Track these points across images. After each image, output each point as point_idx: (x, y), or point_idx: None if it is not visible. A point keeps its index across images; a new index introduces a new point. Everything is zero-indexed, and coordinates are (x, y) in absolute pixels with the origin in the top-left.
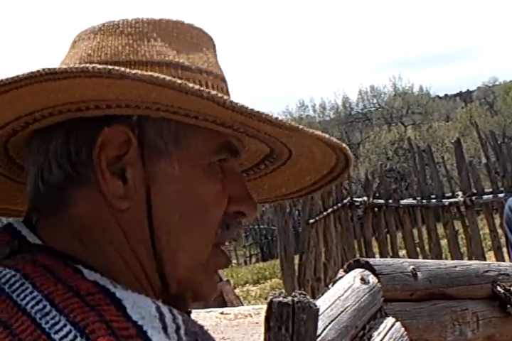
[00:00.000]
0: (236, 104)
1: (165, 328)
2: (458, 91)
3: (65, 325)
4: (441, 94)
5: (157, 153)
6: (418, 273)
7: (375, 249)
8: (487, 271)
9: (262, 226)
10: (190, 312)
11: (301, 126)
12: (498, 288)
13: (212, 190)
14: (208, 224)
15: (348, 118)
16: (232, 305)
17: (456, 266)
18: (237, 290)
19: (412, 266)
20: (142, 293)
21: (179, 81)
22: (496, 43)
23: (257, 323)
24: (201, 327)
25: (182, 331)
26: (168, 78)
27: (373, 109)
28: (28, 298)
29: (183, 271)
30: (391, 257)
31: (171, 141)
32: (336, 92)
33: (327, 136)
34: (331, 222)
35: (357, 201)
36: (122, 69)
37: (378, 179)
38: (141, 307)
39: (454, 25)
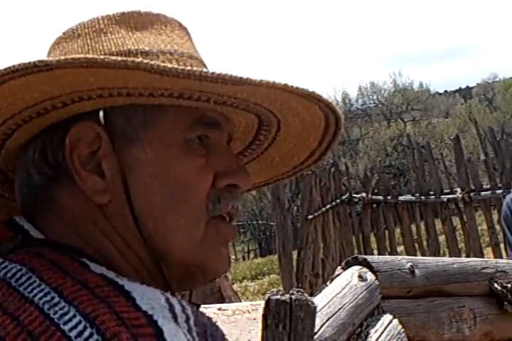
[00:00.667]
0: (190, 70)
1: (175, 318)
2: (457, 88)
3: (74, 316)
4: (441, 91)
5: (128, 141)
6: (416, 270)
7: (374, 245)
8: (484, 268)
9: (260, 222)
10: (199, 305)
11: (251, 78)
12: (496, 285)
13: (191, 166)
14: (194, 201)
15: (348, 114)
16: (230, 301)
17: (453, 263)
18: (235, 286)
19: (409, 263)
20: (142, 282)
21: (130, 59)
22: (495, 40)
23: (254, 319)
24: (209, 318)
25: (192, 321)
26: (131, 59)
27: (373, 105)
28: (35, 291)
29: (180, 252)
30: (389, 253)
31: (140, 126)
32: (335, 88)
33: (288, 83)
34: (329, 217)
35: (356, 197)
36: (90, 56)
37: (377, 175)
38: (150, 299)
39: (454, 22)
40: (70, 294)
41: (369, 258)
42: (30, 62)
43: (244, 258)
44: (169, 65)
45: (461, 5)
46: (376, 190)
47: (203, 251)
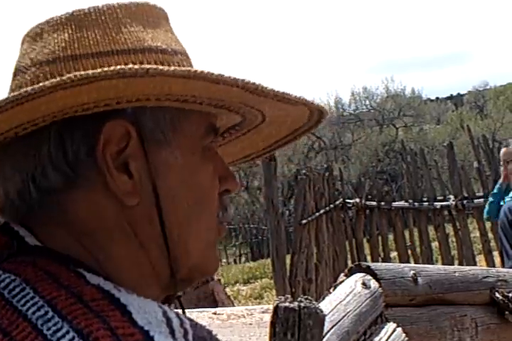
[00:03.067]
0: (253, 83)
1: (172, 333)
2: (449, 95)
3: (67, 332)
4: (433, 97)
5: (157, 144)
6: (419, 278)
7: (367, 251)
8: (486, 277)
9: (252, 226)
10: (180, 296)
11: (292, 94)
12: (497, 294)
13: (209, 174)
14: (212, 208)
15: (340, 119)
16: (223, 305)
17: (455, 272)
18: (227, 290)
19: (412, 271)
20: (145, 290)
21: (216, 73)
22: (487, 48)
23: (250, 324)
24: (209, 332)
25: (190, 336)
26: (200, 70)
27: (365, 110)
28: (28, 304)
29: (195, 258)
30: (382, 259)
31: (168, 129)
32: (328, 93)
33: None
34: (323, 223)
35: (349, 202)
36: (160, 67)
37: (370, 181)
38: (147, 313)
39: (446, 30)
40: (64, 308)
41: (372, 265)
42: (142, 68)
43: (235, 262)
44: (226, 75)
45: (455, 13)
46: (369, 196)
47: (208, 255)
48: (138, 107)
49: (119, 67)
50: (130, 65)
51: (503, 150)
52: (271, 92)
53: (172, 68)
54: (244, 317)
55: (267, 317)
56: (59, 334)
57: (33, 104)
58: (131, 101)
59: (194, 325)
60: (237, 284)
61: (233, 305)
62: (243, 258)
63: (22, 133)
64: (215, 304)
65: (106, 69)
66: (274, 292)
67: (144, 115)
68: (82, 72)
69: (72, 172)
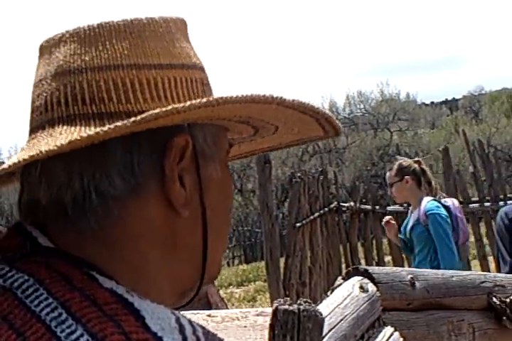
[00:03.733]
0: (303, 103)
1: (185, 340)
2: (444, 99)
3: (81, 335)
4: (428, 102)
5: (205, 158)
6: (416, 282)
7: (361, 255)
8: (483, 282)
9: (245, 228)
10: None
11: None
12: (494, 300)
13: (231, 187)
14: (229, 220)
15: None
16: (217, 307)
17: (453, 276)
18: (220, 292)
19: (410, 275)
20: (164, 297)
21: (283, 96)
22: (482, 53)
23: (245, 327)
24: (221, 340)
25: None
26: (267, 95)
27: (360, 114)
28: (42, 305)
29: (217, 268)
30: (376, 263)
31: (212, 144)
32: (323, 96)
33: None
34: (317, 226)
35: (344, 206)
36: (283, 97)
37: (365, 185)
38: (160, 319)
39: (441, 34)
40: (78, 311)
41: (370, 269)
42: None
43: (228, 265)
44: (293, 98)
45: (450, 17)
46: (364, 200)
47: (220, 263)
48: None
49: (249, 94)
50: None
51: (387, 173)
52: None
53: (290, 99)
54: (239, 319)
55: (262, 320)
56: (73, 336)
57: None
58: (197, 120)
59: (206, 332)
60: (231, 287)
61: (227, 308)
62: (236, 261)
63: None
64: (208, 306)
65: (240, 95)
66: (267, 295)
67: (196, 130)
68: (227, 96)
69: (135, 181)
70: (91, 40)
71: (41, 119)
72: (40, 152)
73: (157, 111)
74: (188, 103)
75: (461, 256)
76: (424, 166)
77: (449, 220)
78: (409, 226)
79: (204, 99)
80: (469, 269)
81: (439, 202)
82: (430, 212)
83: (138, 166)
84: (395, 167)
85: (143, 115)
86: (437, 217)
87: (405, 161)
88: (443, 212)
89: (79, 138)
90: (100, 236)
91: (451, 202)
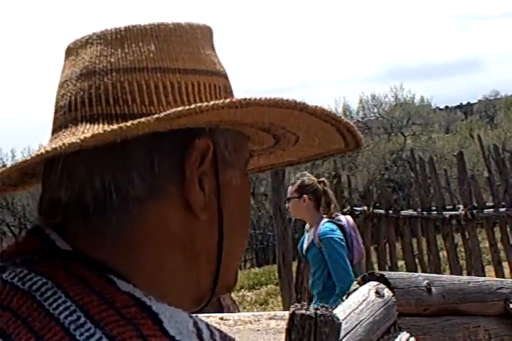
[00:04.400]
0: (324, 110)
1: None
2: (459, 104)
3: (100, 338)
4: (442, 106)
5: (225, 163)
6: (432, 288)
7: (374, 259)
8: (500, 288)
9: (257, 231)
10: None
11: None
12: (511, 306)
13: (249, 194)
14: (248, 230)
15: None
16: (229, 310)
17: (469, 282)
18: (232, 295)
19: (426, 281)
20: (181, 301)
21: (297, 100)
22: (498, 57)
23: (258, 331)
24: None
25: None
26: (291, 99)
27: (373, 118)
28: (61, 308)
29: (232, 276)
30: (389, 268)
31: (232, 151)
32: (336, 100)
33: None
34: None
35: (357, 210)
36: (302, 101)
37: (378, 189)
38: (178, 322)
39: (457, 38)
40: (97, 314)
41: (386, 274)
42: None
43: (240, 268)
44: (316, 105)
45: (466, 21)
46: (377, 204)
47: (237, 272)
48: (213, 127)
49: (273, 97)
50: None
51: (289, 187)
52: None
53: (312, 105)
54: (252, 323)
55: (274, 324)
56: (92, 340)
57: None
58: (219, 124)
59: (224, 336)
60: (242, 290)
61: (239, 311)
62: (248, 264)
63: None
64: (220, 309)
65: (260, 97)
66: (279, 298)
67: (217, 135)
68: (245, 98)
69: (155, 182)
70: (117, 43)
71: (65, 119)
72: (63, 144)
73: (180, 108)
74: (212, 102)
75: (357, 274)
76: (327, 187)
77: (343, 242)
78: (304, 246)
79: (227, 100)
80: (484, 275)
81: (334, 223)
82: (324, 236)
83: (158, 167)
84: (297, 183)
85: (166, 112)
86: (331, 241)
87: (309, 179)
88: (337, 234)
89: (102, 131)
90: (119, 236)
91: (346, 220)
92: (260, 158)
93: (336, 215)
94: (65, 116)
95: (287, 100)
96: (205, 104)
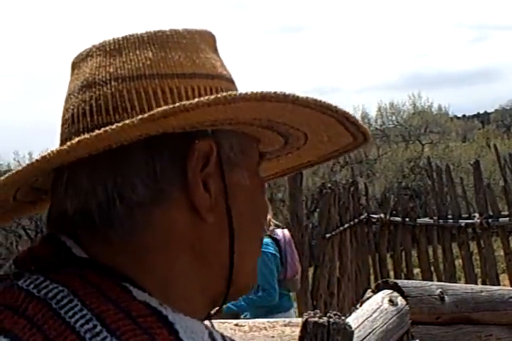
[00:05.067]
0: (323, 102)
1: None
2: (476, 113)
3: None
4: (460, 115)
5: (231, 164)
6: (445, 296)
7: (389, 266)
8: None
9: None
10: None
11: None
12: None
13: (262, 194)
14: (262, 226)
15: None
16: (245, 316)
17: (482, 291)
18: None
19: (439, 290)
20: (194, 307)
21: (296, 94)
22: None
23: (273, 337)
24: None
25: None
26: (288, 93)
27: (392, 126)
28: (77, 316)
29: (246, 278)
30: (405, 275)
31: (239, 152)
32: (355, 108)
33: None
34: (347, 237)
35: (374, 217)
36: (289, 92)
37: (395, 197)
38: (193, 333)
39: (475, 48)
40: (113, 323)
41: (400, 282)
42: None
43: None
44: (307, 96)
45: (485, 31)
46: (394, 212)
47: (253, 274)
48: (216, 129)
49: (255, 91)
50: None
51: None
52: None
53: (295, 95)
54: (267, 329)
55: (289, 331)
56: None
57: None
58: (216, 124)
59: None
60: None
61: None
62: None
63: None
64: (235, 315)
65: (244, 92)
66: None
67: (221, 137)
68: (225, 94)
69: (158, 187)
70: (115, 53)
71: (69, 131)
72: (52, 152)
73: (164, 108)
74: (196, 100)
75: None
76: None
77: (276, 258)
78: None
79: (212, 96)
80: (498, 284)
81: (270, 236)
82: None
83: (160, 172)
84: None
85: (150, 112)
86: (263, 256)
87: None
88: (270, 250)
89: (88, 137)
90: (128, 244)
91: (282, 234)
92: (280, 159)
93: (274, 229)
94: (69, 129)
95: (275, 93)
96: (190, 101)
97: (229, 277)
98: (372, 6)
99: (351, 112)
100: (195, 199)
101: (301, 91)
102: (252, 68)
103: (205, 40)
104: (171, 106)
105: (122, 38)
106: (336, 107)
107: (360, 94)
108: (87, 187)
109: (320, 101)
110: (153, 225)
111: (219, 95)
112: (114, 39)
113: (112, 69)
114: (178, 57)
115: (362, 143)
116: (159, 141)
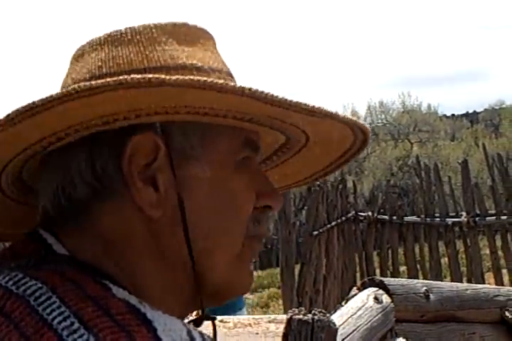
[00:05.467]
0: (276, 97)
1: None
2: (465, 112)
3: None
4: (448, 114)
5: (185, 158)
6: (431, 294)
7: (376, 264)
8: (497, 296)
9: None
10: (214, 318)
11: (334, 112)
12: (507, 314)
13: (241, 187)
14: (240, 221)
15: None
16: None
17: (467, 289)
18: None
19: (424, 288)
20: (167, 306)
21: (220, 81)
22: (504, 67)
23: (257, 334)
24: None
25: None
26: (209, 80)
27: (381, 124)
28: (54, 313)
29: (222, 273)
30: (391, 273)
31: (198, 143)
32: (345, 106)
33: (354, 118)
34: (334, 234)
35: (361, 215)
36: (162, 76)
37: (384, 195)
38: (172, 330)
39: (464, 47)
40: (91, 320)
41: (385, 280)
42: (144, 78)
43: None
44: (266, 91)
45: (473, 30)
46: (382, 210)
47: (237, 270)
48: (166, 122)
49: (121, 77)
50: (134, 76)
51: None
52: (282, 101)
53: (175, 77)
54: (251, 326)
55: (274, 327)
56: None
57: (43, 116)
58: (151, 114)
59: None
60: None
61: None
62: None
63: (51, 148)
64: None
65: (109, 79)
66: (280, 301)
67: (172, 129)
68: (87, 83)
69: (99, 185)
70: (79, 58)
71: None
72: None
73: (63, 90)
74: (101, 81)
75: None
76: None
77: None
78: None
79: (121, 77)
80: (483, 282)
81: None
82: None
83: (101, 169)
84: None
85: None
86: None
87: None
88: None
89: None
90: (92, 241)
91: None
92: (289, 169)
93: None
94: None
95: (205, 81)
96: (95, 82)
97: (195, 275)
98: (364, 6)
99: (341, 110)
100: (134, 195)
101: (290, 91)
102: (241, 65)
103: (167, 32)
104: (72, 86)
105: (86, 42)
106: (280, 98)
107: (350, 92)
108: (44, 185)
109: (258, 91)
110: (103, 223)
111: (128, 77)
112: (81, 45)
113: (74, 75)
114: (129, 54)
115: (362, 140)
116: (100, 138)
